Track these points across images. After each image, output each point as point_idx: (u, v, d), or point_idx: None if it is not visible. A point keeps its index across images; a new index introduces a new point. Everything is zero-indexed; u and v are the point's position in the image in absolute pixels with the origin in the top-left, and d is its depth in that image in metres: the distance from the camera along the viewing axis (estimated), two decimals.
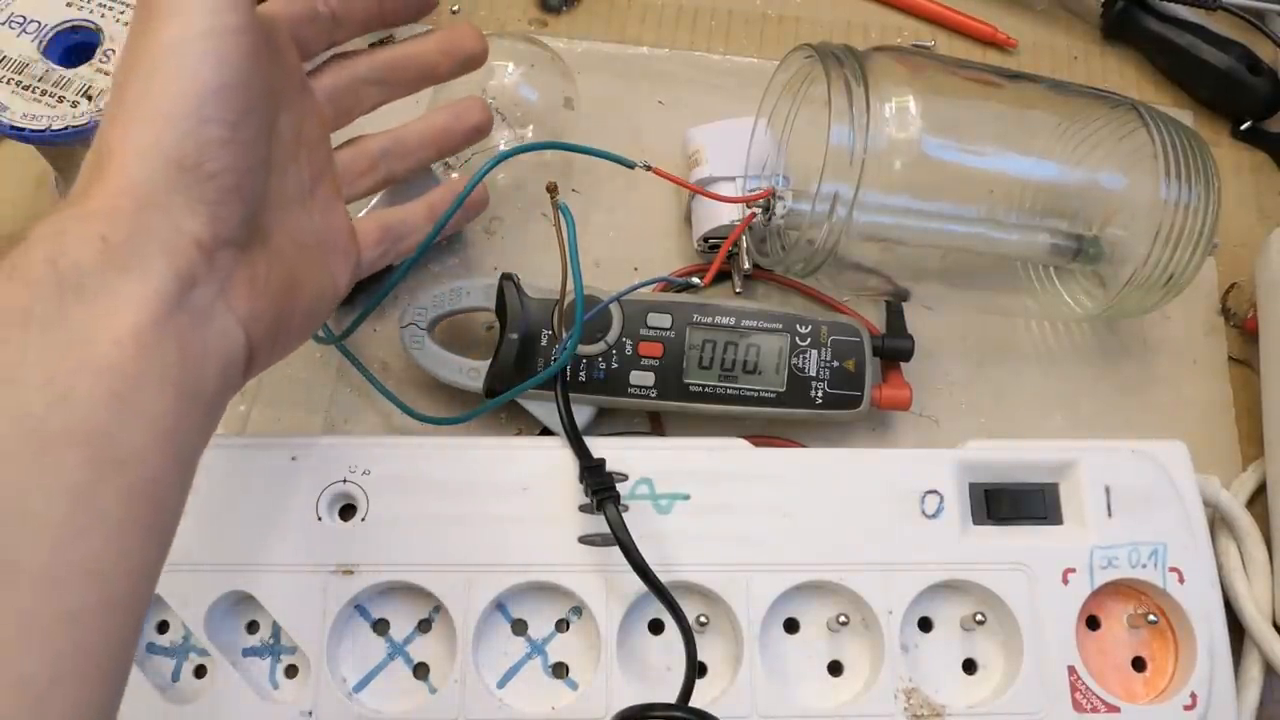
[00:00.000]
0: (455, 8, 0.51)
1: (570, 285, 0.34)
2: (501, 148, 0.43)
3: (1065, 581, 0.35)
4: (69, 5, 0.39)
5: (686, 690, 0.31)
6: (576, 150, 0.37)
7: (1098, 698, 0.34)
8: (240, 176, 0.27)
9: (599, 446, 0.35)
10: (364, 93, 0.35)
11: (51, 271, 0.23)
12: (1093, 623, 0.36)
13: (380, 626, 0.35)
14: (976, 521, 0.36)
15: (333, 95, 0.34)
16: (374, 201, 0.40)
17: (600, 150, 0.37)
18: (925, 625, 0.35)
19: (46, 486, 0.21)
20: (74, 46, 0.39)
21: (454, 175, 0.42)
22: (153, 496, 0.23)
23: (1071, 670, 0.34)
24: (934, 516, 0.35)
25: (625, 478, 0.35)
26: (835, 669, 0.35)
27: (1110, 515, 0.35)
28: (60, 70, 0.37)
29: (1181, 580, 0.35)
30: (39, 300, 0.22)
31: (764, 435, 0.40)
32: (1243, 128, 0.50)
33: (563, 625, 0.35)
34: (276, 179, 0.30)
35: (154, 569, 0.24)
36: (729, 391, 0.38)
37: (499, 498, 0.35)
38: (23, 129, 0.36)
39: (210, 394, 0.26)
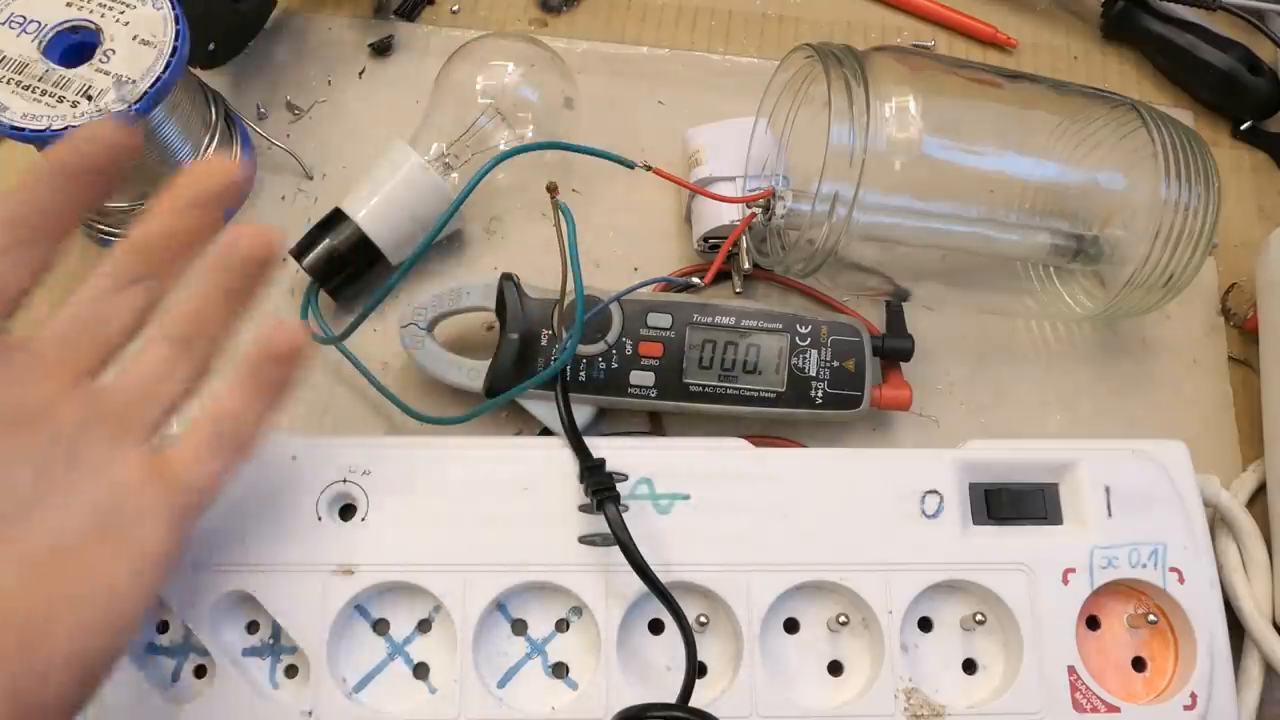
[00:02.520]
0: (455, 8, 0.51)
1: (570, 285, 0.34)
2: (502, 147, 0.43)
3: (1065, 581, 0.35)
4: (69, 5, 0.39)
5: (686, 690, 0.31)
6: (576, 150, 0.37)
7: (1098, 698, 0.34)
8: None
9: (599, 446, 0.35)
10: (112, 309, 0.26)
11: None
12: (1093, 623, 0.36)
13: (380, 626, 0.35)
14: (976, 521, 0.36)
15: (67, 337, 0.26)
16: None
17: (600, 150, 0.37)
18: (925, 625, 0.35)
19: None
20: (74, 46, 0.39)
21: (454, 175, 0.42)
22: None
23: (1071, 670, 0.34)
24: (934, 516, 0.35)
25: (625, 478, 0.35)
26: (835, 669, 0.35)
27: (1110, 515, 0.35)
28: (60, 70, 0.37)
29: (1181, 580, 0.35)
30: None
31: (764, 435, 0.40)
32: (1243, 128, 0.50)
33: (563, 625, 0.35)
34: None
35: None
36: (729, 391, 0.38)
37: (499, 498, 0.35)
38: (23, 129, 0.36)
39: None
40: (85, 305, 0.26)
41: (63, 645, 0.23)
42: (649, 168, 0.37)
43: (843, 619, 0.34)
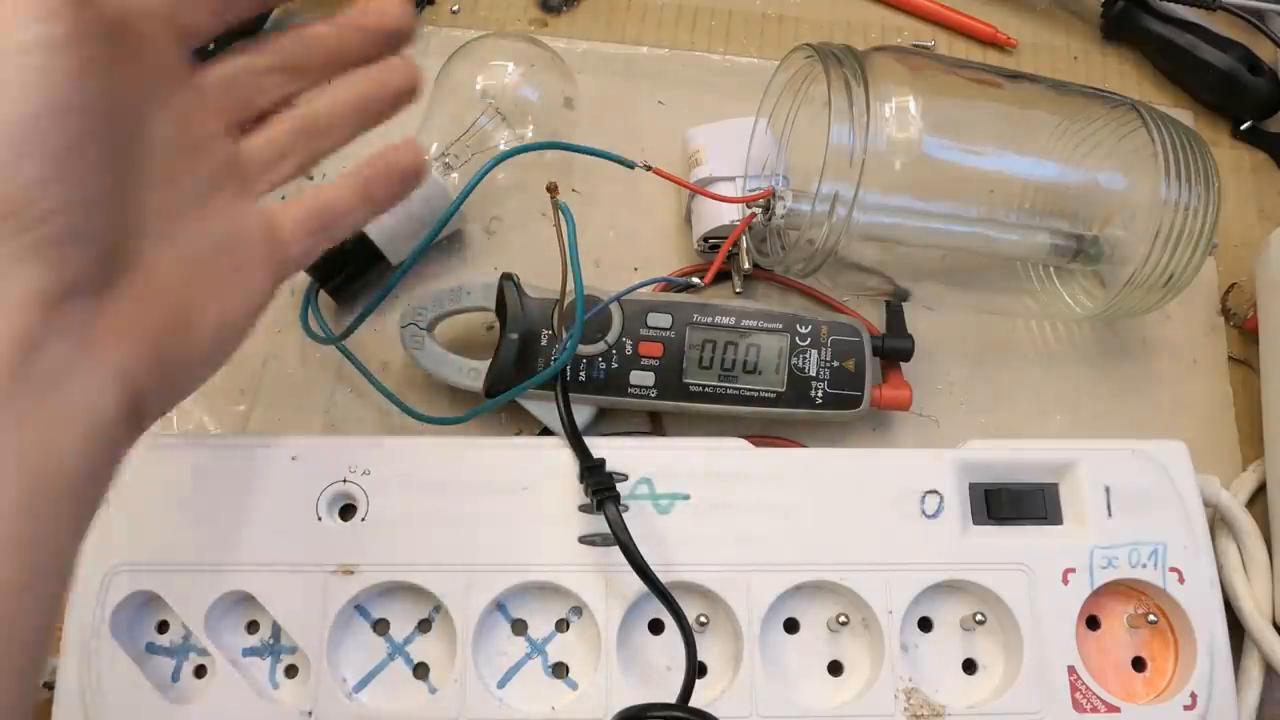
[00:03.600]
0: (455, 8, 0.51)
1: (570, 285, 0.34)
2: (502, 147, 0.43)
3: (1065, 581, 0.35)
4: None
5: (686, 690, 0.31)
6: (576, 150, 0.37)
7: (1098, 698, 0.34)
8: (80, 215, 0.23)
9: (599, 446, 0.35)
10: (265, 82, 0.30)
11: None
12: (1093, 623, 0.36)
13: (380, 626, 0.35)
14: (976, 521, 0.36)
15: (227, 85, 0.29)
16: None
17: (600, 150, 0.37)
18: (925, 625, 0.35)
19: None
20: None
21: (454, 175, 0.42)
22: (7, 620, 0.20)
23: (1071, 670, 0.34)
24: (934, 516, 0.35)
25: (625, 478, 0.35)
26: (835, 669, 0.35)
27: (1110, 515, 0.35)
28: None
29: (1181, 580, 0.35)
30: None
31: (764, 435, 0.40)
32: (1243, 128, 0.50)
33: (563, 625, 0.35)
34: (154, 194, 0.26)
35: (19, 703, 0.21)
36: (729, 391, 0.38)
37: (499, 498, 0.35)
38: None
39: (73, 472, 0.22)
40: (245, 72, 0.30)
41: (204, 336, 0.27)
42: (649, 168, 0.37)
43: (843, 619, 0.34)
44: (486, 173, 0.37)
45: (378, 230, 0.40)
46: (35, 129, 0.22)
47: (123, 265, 0.25)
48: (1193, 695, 0.34)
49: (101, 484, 0.24)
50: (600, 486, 0.33)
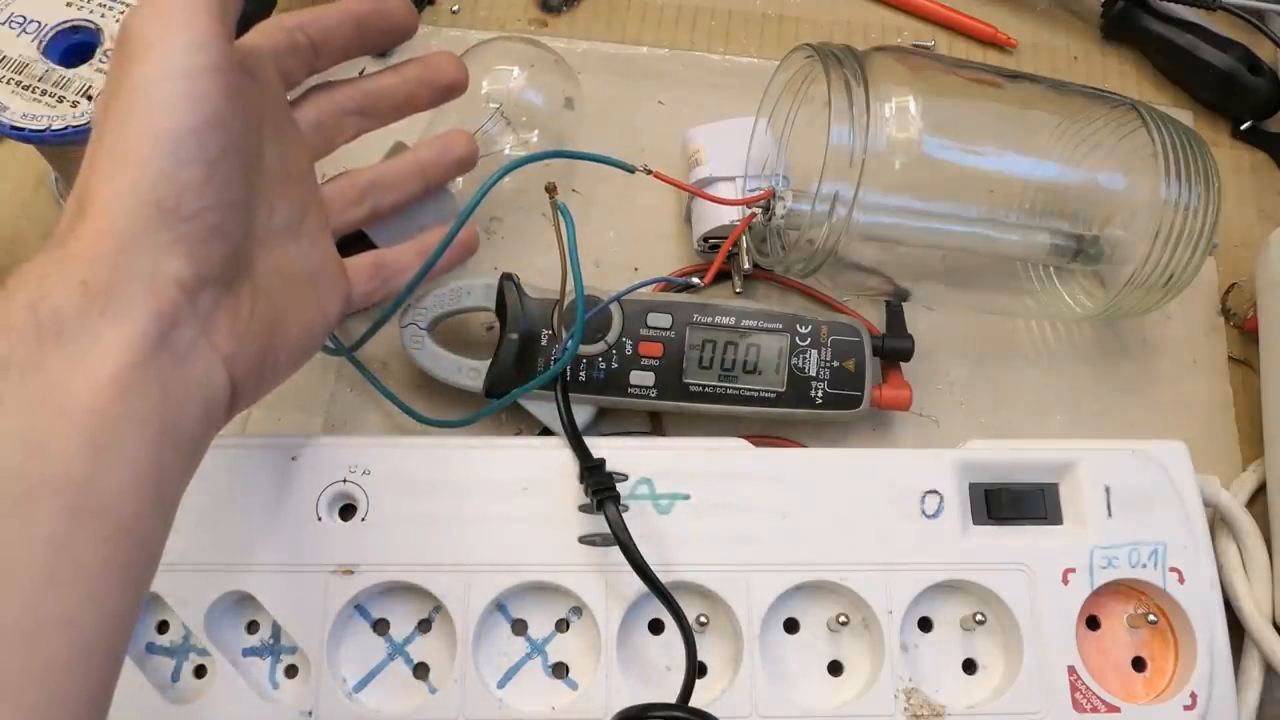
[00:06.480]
0: (455, 8, 0.51)
1: (570, 285, 0.34)
2: (507, 150, 0.42)
3: (1065, 581, 0.35)
4: (69, 5, 0.39)
5: (686, 690, 0.31)
6: (578, 157, 0.37)
7: (1098, 698, 0.34)
8: (221, 215, 0.26)
9: (599, 446, 0.35)
10: (345, 123, 0.35)
11: (31, 318, 0.23)
12: (1093, 623, 0.36)
13: (380, 626, 0.35)
14: (976, 521, 0.36)
15: (315, 126, 0.34)
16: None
17: (600, 156, 0.37)
18: (925, 625, 0.35)
19: (22, 539, 0.21)
20: (74, 46, 0.39)
21: (459, 181, 0.42)
22: (132, 542, 0.23)
23: (1071, 670, 0.34)
24: (934, 516, 0.35)
25: (625, 478, 0.35)
26: (835, 669, 0.35)
27: (1110, 515, 0.35)
28: (60, 70, 0.37)
29: (1181, 580, 0.35)
30: (18, 348, 0.22)
31: (764, 435, 0.40)
32: (1243, 128, 0.50)
33: (563, 625, 0.35)
34: (263, 213, 0.30)
35: (131, 613, 0.24)
36: (729, 391, 0.38)
37: (499, 498, 0.35)
38: (23, 129, 0.36)
39: (192, 435, 0.26)
40: (329, 115, 0.34)
41: (290, 346, 0.31)
42: (649, 171, 0.37)
43: (843, 619, 0.34)
44: (494, 184, 0.36)
45: (386, 238, 0.40)
46: (195, 139, 0.26)
47: (240, 268, 0.28)
48: (1193, 695, 0.34)
49: (200, 455, 0.27)
50: (600, 486, 0.33)
